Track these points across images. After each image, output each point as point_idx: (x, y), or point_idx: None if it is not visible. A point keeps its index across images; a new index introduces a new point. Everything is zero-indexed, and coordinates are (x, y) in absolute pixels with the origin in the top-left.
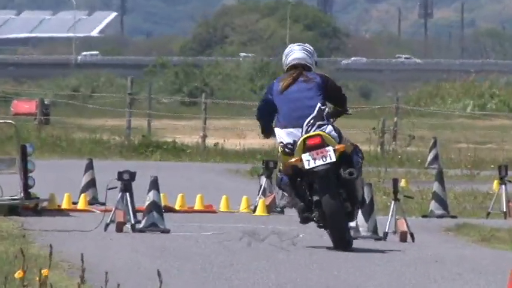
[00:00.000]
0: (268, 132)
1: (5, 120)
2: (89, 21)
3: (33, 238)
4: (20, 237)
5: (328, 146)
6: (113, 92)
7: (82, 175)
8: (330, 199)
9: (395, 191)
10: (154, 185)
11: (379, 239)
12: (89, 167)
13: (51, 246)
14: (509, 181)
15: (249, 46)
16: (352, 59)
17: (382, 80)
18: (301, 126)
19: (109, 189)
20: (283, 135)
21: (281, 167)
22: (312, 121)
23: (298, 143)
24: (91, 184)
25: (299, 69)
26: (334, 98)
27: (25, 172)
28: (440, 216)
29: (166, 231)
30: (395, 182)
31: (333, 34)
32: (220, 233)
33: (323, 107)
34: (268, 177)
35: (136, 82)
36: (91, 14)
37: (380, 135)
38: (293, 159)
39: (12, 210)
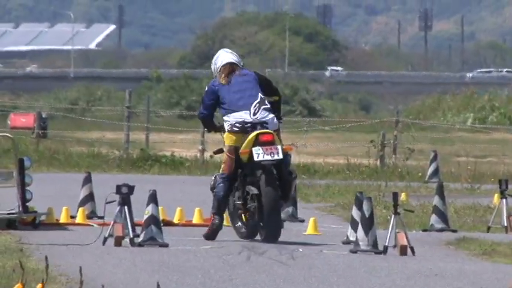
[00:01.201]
0: (212, 127)
1: (3, 134)
2: (87, 34)
3: (31, 252)
4: (17, 251)
5: (277, 144)
6: (111, 105)
7: (80, 189)
8: (272, 191)
9: (395, 204)
10: (153, 198)
11: (379, 252)
12: (87, 180)
13: (46, 258)
14: (510, 195)
15: (247, 58)
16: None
17: (382, 92)
18: (248, 109)
19: (107, 203)
20: (231, 118)
21: (223, 167)
22: (257, 105)
23: (250, 137)
24: (89, 198)
25: (232, 65)
26: (269, 88)
27: (23, 186)
28: (441, 230)
29: (165, 245)
30: (396, 195)
31: (332, 47)
32: (219, 247)
33: (263, 96)
34: None
35: (134, 95)
36: (89, 27)
37: (379, 148)
38: (241, 152)
39: (9, 224)
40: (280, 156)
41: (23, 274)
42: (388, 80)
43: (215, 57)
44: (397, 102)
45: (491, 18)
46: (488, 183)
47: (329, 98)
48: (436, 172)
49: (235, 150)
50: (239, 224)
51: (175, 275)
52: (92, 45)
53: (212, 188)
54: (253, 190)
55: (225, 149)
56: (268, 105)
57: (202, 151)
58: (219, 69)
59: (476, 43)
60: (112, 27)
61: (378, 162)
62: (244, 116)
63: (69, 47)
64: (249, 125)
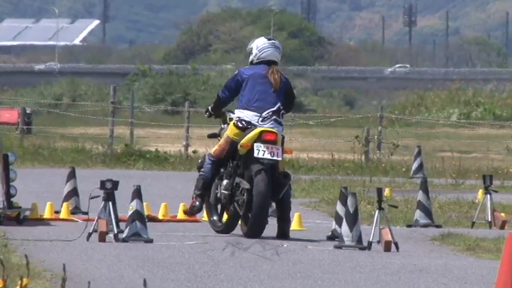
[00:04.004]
0: (218, 112)
1: None
2: (71, 30)
3: (15, 247)
4: (1, 246)
5: (279, 144)
6: (96, 101)
7: (64, 184)
8: (265, 190)
9: (380, 200)
10: (138, 194)
11: (364, 248)
12: (71, 175)
13: (26, 256)
14: (494, 190)
15: (232, 54)
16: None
17: (367, 88)
18: (260, 114)
19: (91, 198)
20: (241, 113)
21: (216, 149)
22: (270, 113)
23: (254, 132)
24: (73, 193)
25: (274, 67)
26: (288, 102)
27: (7, 181)
28: (425, 226)
29: (150, 241)
30: (380, 191)
31: (317, 42)
32: (203, 242)
33: (281, 107)
34: None
35: (119, 90)
36: (73, 22)
37: (364, 143)
38: (242, 144)
39: None
40: (280, 157)
41: (3, 270)
42: (372, 75)
43: (260, 45)
44: (381, 97)
45: (475, 13)
46: (472, 179)
47: (314, 94)
48: (420, 167)
49: (232, 141)
50: (215, 218)
51: (159, 270)
52: (77, 41)
53: (199, 167)
54: (245, 184)
55: (223, 136)
56: (281, 119)
57: (186, 146)
58: (259, 60)
59: (460, 39)
60: (96, 22)
61: (363, 158)
62: (253, 117)
63: (53, 43)
64: (253, 127)
